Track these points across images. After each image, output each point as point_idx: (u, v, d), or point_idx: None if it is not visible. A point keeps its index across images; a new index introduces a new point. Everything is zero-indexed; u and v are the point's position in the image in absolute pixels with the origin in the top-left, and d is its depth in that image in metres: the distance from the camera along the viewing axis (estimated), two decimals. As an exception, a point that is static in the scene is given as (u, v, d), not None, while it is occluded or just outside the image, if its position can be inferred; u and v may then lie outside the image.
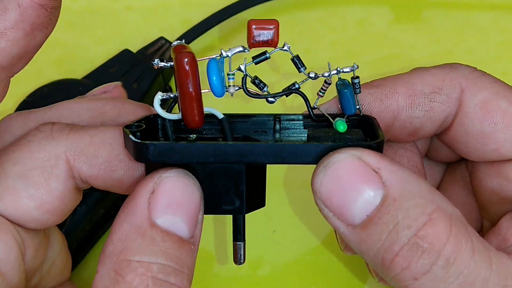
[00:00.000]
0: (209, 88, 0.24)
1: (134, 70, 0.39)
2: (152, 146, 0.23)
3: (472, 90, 0.27)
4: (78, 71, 0.40)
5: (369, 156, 0.23)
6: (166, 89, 0.41)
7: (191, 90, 0.23)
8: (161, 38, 0.41)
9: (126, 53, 0.40)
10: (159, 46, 0.41)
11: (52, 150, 0.25)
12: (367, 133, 0.25)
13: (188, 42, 0.41)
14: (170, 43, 0.41)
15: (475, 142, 0.28)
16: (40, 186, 0.24)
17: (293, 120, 0.27)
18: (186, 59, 0.23)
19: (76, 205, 0.26)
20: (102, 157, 0.25)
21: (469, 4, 0.44)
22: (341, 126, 0.25)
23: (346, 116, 0.26)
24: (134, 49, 0.41)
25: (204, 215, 0.24)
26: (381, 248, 0.22)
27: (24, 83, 0.39)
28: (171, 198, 0.22)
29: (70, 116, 0.27)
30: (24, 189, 0.24)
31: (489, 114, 0.27)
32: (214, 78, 0.24)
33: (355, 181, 0.22)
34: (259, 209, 0.37)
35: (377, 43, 0.43)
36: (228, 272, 0.36)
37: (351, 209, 0.22)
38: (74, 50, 0.42)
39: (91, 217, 0.35)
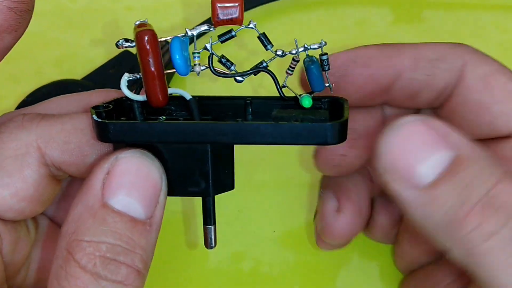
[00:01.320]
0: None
1: (134, 72, 0.39)
2: (112, 125, 0.23)
3: (474, 63, 0.28)
4: (78, 72, 0.40)
5: (436, 121, 0.23)
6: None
7: (152, 67, 0.23)
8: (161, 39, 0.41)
9: (125, 54, 0.40)
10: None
11: (23, 139, 0.25)
12: (334, 115, 0.25)
13: (189, 43, 0.41)
14: (169, 43, 0.41)
15: (471, 114, 0.28)
16: (13, 174, 0.24)
17: (264, 102, 0.27)
18: (146, 37, 0.22)
19: (54, 194, 0.26)
20: (73, 142, 0.25)
21: (469, 4, 0.44)
22: (306, 101, 0.25)
23: (313, 94, 0.26)
24: (134, 50, 0.41)
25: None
26: (451, 207, 0.22)
27: (24, 83, 0.39)
28: (124, 179, 0.23)
29: (56, 109, 0.27)
30: None
31: (488, 86, 0.28)
32: (177, 56, 0.24)
33: (424, 142, 0.22)
34: (259, 209, 0.37)
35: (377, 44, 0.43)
36: (228, 271, 0.35)
37: (420, 169, 0.22)
38: (73, 50, 0.42)
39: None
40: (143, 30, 0.23)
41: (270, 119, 0.26)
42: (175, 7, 0.44)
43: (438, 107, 0.29)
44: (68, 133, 0.25)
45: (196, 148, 0.24)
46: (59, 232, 0.29)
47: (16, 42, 0.24)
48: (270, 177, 0.38)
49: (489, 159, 0.23)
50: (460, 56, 0.28)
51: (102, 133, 0.23)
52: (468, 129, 0.28)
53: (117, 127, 0.23)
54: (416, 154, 0.22)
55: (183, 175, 0.25)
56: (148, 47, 0.22)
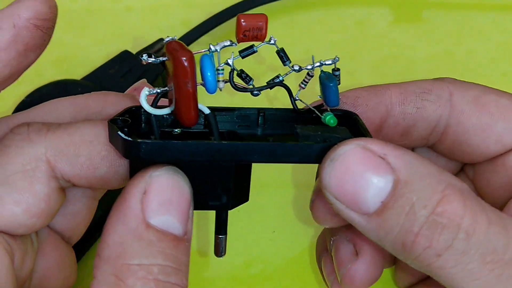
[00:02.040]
0: (200, 84, 0.24)
1: (134, 72, 0.39)
2: (144, 145, 0.23)
3: (460, 90, 0.28)
4: (78, 72, 0.40)
5: (373, 144, 0.23)
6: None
7: (190, 89, 0.23)
8: (161, 39, 0.41)
9: (125, 54, 0.40)
10: (159, 48, 0.41)
11: (32, 153, 0.24)
12: (352, 130, 0.25)
13: (188, 44, 0.41)
14: (162, 39, 0.41)
15: (476, 138, 0.28)
16: (24, 190, 0.24)
17: (277, 114, 0.27)
18: (185, 58, 0.22)
19: (61, 204, 0.26)
20: (84, 155, 0.24)
21: (469, 5, 0.44)
22: (331, 120, 0.25)
23: (329, 109, 0.26)
24: (133, 50, 0.41)
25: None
26: (400, 232, 0.23)
27: (23, 83, 0.39)
28: (163, 197, 0.22)
29: (53, 115, 0.27)
30: (8, 195, 0.24)
31: (483, 107, 0.28)
32: (209, 74, 0.24)
33: (364, 170, 0.23)
34: (259, 210, 0.37)
35: (377, 44, 0.43)
36: (226, 272, 0.35)
37: (364, 198, 0.23)
38: (73, 51, 0.42)
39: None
40: (182, 52, 0.22)
41: (286, 133, 0.26)
42: (175, 8, 0.44)
43: (436, 142, 0.29)
44: (77, 146, 0.24)
45: (220, 164, 0.24)
46: (58, 239, 0.28)
47: (38, 58, 0.24)
48: (270, 177, 0.38)
49: (431, 175, 0.23)
50: (445, 87, 0.28)
51: (131, 151, 0.23)
52: (475, 151, 0.28)
53: (149, 147, 0.23)
54: (358, 183, 0.23)
55: (205, 189, 0.25)
56: (188, 69, 0.22)
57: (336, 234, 0.30)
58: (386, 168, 0.23)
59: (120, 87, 0.38)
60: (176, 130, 0.26)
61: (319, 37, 0.44)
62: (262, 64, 0.38)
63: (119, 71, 0.39)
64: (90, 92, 0.37)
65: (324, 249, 0.31)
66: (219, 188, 0.25)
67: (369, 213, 0.23)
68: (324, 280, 0.32)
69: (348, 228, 0.29)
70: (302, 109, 0.27)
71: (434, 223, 0.22)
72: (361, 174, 0.23)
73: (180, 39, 0.41)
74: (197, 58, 0.23)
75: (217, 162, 0.24)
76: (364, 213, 0.23)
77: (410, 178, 0.22)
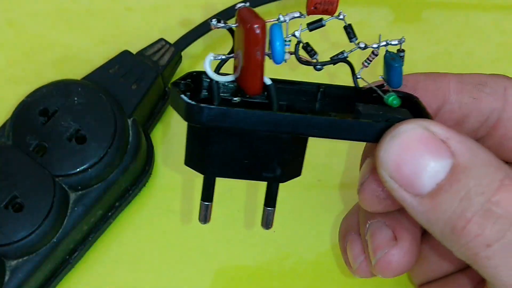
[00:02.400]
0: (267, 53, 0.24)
1: (134, 71, 0.39)
2: (207, 110, 0.23)
3: None
4: (78, 72, 0.40)
5: (436, 127, 0.23)
6: (167, 90, 0.41)
7: (259, 57, 0.23)
8: (161, 39, 0.41)
9: (125, 54, 0.40)
10: (159, 48, 0.41)
11: None
12: (412, 113, 0.25)
13: (188, 44, 0.41)
14: (170, 44, 0.41)
15: None
16: None
17: (337, 90, 0.27)
18: (258, 26, 0.22)
19: None
20: None
21: (469, 5, 0.44)
22: (394, 101, 0.25)
23: (391, 90, 0.26)
24: (134, 50, 0.41)
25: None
26: (452, 216, 0.22)
27: (24, 84, 0.39)
28: None
29: None
30: None
31: None
32: (278, 43, 0.24)
33: (423, 151, 0.23)
34: (258, 209, 0.37)
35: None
36: (226, 271, 0.36)
37: (420, 179, 0.23)
38: (73, 51, 0.42)
39: (89, 218, 0.35)
40: (254, 20, 0.22)
41: (351, 114, 0.26)
42: (175, 8, 0.44)
43: (483, 136, 0.29)
44: None
45: (279, 136, 0.24)
46: None
47: None
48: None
49: (490, 164, 0.23)
50: (500, 82, 0.29)
51: (193, 116, 0.23)
52: None
53: (212, 112, 0.23)
54: (416, 163, 0.23)
55: (260, 160, 0.25)
56: (259, 37, 0.22)
57: (374, 218, 0.30)
58: (446, 152, 0.23)
59: (120, 87, 0.38)
60: (235, 98, 0.26)
61: (319, 37, 0.44)
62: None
63: (119, 71, 0.39)
64: (90, 92, 0.37)
65: (352, 231, 0.31)
66: (274, 160, 0.25)
67: (423, 195, 0.23)
68: (347, 262, 0.31)
69: (390, 213, 0.29)
70: (363, 87, 0.27)
71: (489, 212, 0.22)
72: (420, 155, 0.23)
73: (179, 39, 0.41)
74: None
75: (276, 133, 0.24)
76: (418, 194, 0.23)
77: (470, 164, 0.22)
